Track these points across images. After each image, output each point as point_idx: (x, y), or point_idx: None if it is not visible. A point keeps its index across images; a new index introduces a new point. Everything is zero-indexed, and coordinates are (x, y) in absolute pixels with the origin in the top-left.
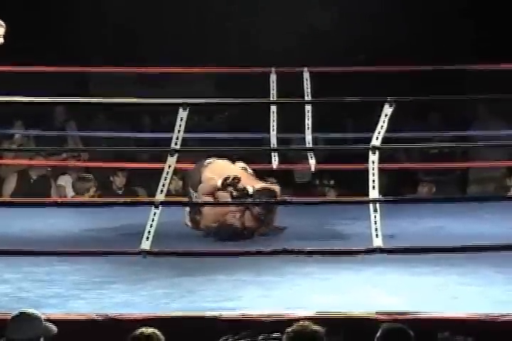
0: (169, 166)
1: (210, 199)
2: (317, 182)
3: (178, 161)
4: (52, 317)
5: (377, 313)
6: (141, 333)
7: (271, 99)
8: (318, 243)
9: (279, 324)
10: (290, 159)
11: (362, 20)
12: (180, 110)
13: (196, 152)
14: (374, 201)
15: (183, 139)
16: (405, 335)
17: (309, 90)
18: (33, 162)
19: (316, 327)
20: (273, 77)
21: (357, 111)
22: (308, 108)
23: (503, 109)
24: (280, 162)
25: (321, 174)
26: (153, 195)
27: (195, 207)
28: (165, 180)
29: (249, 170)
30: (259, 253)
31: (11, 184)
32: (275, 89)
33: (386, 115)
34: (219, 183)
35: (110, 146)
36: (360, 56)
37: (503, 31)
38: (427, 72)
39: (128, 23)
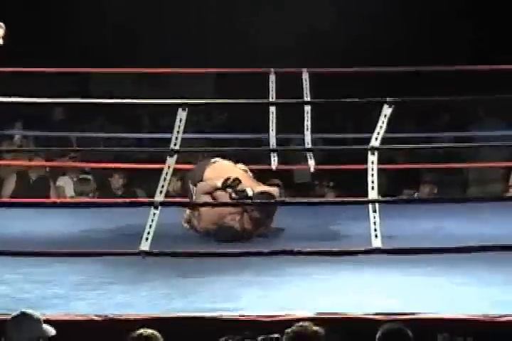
0: (168, 167)
1: (208, 198)
2: (316, 182)
3: (177, 162)
4: (52, 317)
5: (376, 314)
6: (141, 334)
7: (270, 99)
8: (318, 243)
9: (279, 324)
10: (289, 160)
11: (360, 20)
12: (180, 110)
13: (196, 152)
14: (373, 201)
15: (183, 139)
16: (405, 336)
17: (308, 91)
18: (32, 163)
19: (315, 328)
20: (272, 78)
21: (356, 111)
22: (307, 108)
23: (503, 109)
24: (279, 163)
25: (321, 175)
26: (153, 196)
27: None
28: (164, 180)
29: (250, 173)
30: (258, 253)
31: (11, 185)
32: (274, 90)
33: (385, 116)
34: (219, 183)
35: (109, 147)
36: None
37: (502, 31)
38: (426, 72)
39: (128, 23)
